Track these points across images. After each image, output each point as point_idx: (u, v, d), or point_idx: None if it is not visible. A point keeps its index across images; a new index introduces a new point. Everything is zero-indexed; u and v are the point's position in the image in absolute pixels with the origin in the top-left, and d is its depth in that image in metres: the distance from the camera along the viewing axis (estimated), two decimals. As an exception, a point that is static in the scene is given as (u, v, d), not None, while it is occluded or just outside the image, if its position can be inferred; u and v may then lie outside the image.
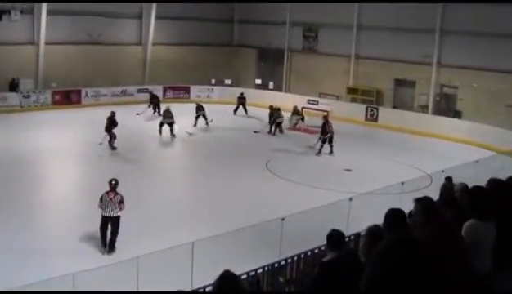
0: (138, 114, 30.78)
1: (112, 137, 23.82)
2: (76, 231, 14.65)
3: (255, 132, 28.65)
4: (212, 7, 40.08)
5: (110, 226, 13.59)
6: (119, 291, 10.41)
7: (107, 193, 13.67)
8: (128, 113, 31.31)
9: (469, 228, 5.58)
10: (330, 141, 24.99)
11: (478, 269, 5.31)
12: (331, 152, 24.92)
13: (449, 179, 14.34)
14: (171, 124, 26.86)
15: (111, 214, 13.50)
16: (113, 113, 24.48)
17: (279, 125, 29.21)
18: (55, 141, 24.66)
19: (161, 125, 26.90)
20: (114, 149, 23.79)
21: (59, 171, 21.31)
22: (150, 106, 32.36)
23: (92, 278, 10.20)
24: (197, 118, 29.71)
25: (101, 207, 13.59)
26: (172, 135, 26.86)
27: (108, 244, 13.60)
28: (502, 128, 27.76)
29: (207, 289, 9.11)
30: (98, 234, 13.75)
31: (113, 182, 13.78)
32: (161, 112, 29.49)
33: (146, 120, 30.57)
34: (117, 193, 13.65)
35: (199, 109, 29.92)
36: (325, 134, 24.96)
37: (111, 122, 24.02)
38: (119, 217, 13.60)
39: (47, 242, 14.06)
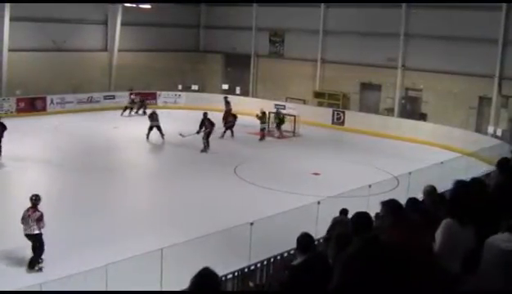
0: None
1: None
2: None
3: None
4: (177, 13, 40.04)
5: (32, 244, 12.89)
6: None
7: (28, 209, 12.87)
8: (94, 121, 31.29)
9: (446, 226, 5.62)
10: (207, 137, 25.69)
11: (449, 270, 5.37)
12: (204, 149, 25.59)
13: (344, 212, 12.74)
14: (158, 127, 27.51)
15: (28, 232, 12.78)
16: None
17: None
18: (18, 150, 24.24)
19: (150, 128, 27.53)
20: None
21: (20, 181, 20.96)
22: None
23: (59, 287, 10.07)
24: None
25: (22, 224, 12.89)
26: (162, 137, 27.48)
27: (29, 260, 12.89)
28: (466, 130, 28.29)
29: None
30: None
31: (33, 198, 12.97)
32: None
33: (114, 127, 30.35)
34: (36, 210, 12.83)
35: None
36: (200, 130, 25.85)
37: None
38: (37, 235, 12.79)
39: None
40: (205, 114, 26.18)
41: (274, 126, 30.38)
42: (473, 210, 5.75)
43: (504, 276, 4.86)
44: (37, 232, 12.79)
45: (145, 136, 27.39)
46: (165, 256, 11.04)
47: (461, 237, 5.59)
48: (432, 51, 30.33)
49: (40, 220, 12.78)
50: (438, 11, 30.08)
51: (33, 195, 13.06)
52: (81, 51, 35.76)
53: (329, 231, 12.44)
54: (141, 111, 34.22)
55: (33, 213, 12.81)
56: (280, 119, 30.29)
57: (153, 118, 27.85)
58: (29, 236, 12.85)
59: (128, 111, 34.29)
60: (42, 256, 12.97)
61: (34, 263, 12.86)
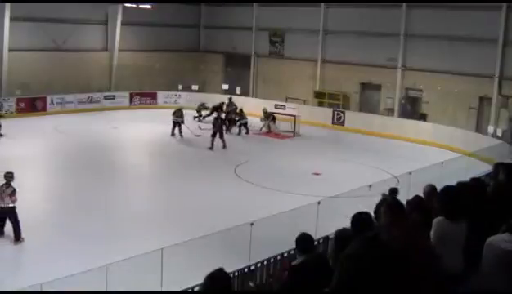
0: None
1: None
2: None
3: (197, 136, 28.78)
4: (178, 13, 40.04)
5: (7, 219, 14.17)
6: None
7: (2, 185, 14.25)
8: (94, 121, 31.30)
9: (437, 225, 5.65)
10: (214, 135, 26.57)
11: (448, 269, 5.38)
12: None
13: (394, 191, 12.14)
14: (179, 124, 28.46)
15: (3, 205, 14.09)
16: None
17: (244, 126, 30.03)
18: (18, 150, 24.26)
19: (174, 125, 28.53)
20: None
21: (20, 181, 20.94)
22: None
23: (59, 287, 10.06)
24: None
25: None
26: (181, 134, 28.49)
27: (14, 236, 14.12)
28: (466, 130, 28.28)
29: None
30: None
31: (9, 175, 14.40)
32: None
33: (114, 128, 30.34)
34: (9, 186, 14.22)
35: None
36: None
37: None
38: (12, 208, 14.13)
39: None
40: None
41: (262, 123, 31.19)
42: (463, 207, 5.78)
43: (504, 276, 4.85)
44: (11, 205, 14.16)
45: (150, 134, 28.26)
46: (165, 256, 11.04)
47: (453, 233, 5.61)
48: (432, 51, 30.31)
49: (13, 194, 14.21)
50: (438, 11, 30.08)
51: (7, 172, 14.47)
52: (81, 51, 35.75)
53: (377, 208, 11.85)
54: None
55: (7, 188, 14.20)
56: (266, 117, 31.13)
57: (176, 114, 28.59)
58: (3, 209, 14.16)
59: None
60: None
61: (19, 235, 14.12)
